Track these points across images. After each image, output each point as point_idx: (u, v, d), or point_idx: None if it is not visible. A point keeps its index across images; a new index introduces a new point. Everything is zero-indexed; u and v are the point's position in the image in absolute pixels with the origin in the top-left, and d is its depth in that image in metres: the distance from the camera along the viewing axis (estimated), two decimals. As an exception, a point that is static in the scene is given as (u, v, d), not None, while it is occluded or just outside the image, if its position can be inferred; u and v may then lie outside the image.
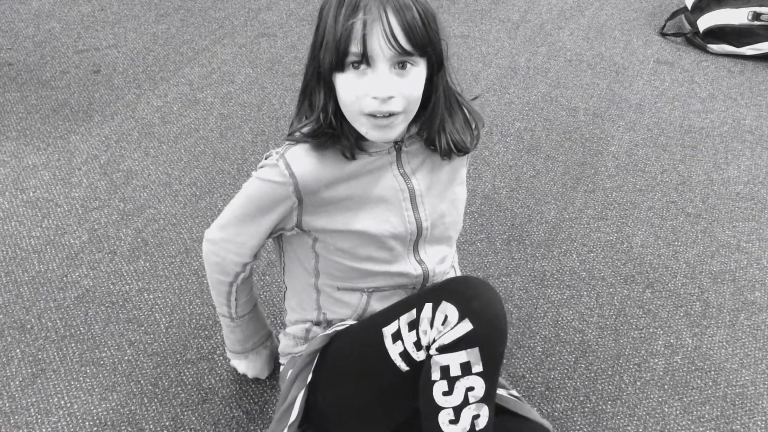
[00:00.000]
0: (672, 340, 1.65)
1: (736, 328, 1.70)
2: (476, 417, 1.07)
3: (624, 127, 2.39)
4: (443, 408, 1.07)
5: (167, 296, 1.67)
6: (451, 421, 1.07)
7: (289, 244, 1.26)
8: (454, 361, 1.05)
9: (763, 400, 1.54)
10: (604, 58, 2.80)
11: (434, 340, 1.06)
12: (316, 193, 1.16)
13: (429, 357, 1.08)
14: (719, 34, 2.83)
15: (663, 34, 2.99)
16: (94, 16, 2.84)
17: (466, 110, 1.22)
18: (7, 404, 1.42)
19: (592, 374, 1.56)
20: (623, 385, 1.54)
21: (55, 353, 1.52)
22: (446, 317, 1.05)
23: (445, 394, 1.07)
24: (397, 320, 1.11)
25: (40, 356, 1.51)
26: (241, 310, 1.33)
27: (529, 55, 2.79)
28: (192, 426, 1.40)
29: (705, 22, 2.85)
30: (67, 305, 1.63)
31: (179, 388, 1.47)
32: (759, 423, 1.49)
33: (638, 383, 1.55)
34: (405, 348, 1.10)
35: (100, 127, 2.22)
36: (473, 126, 1.23)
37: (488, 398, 1.07)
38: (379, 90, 1.07)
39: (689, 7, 2.97)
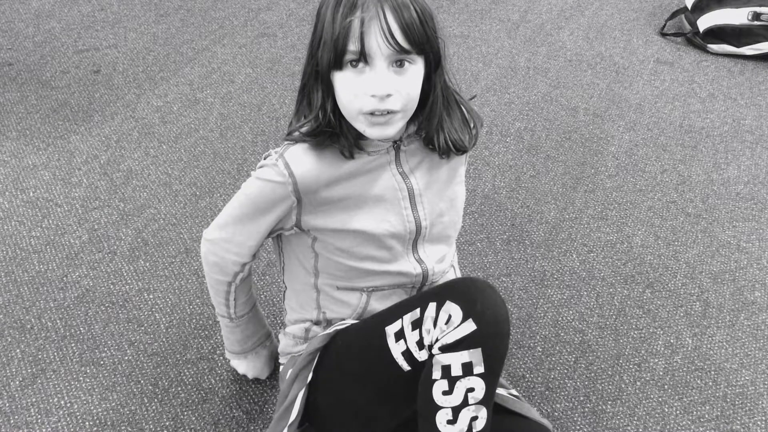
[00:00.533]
0: (672, 340, 1.65)
1: (736, 328, 1.70)
2: (474, 419, 1.07)
3: (624, 127, 2.39)
4: (442, 407, 1.07)
5: (167, 296, 1.67)
6: (449, 422, 1.07)
7: (289, 243, 1.26)
8: (455, 360, 1.05)
9: (763, 400, 1.54)
10: (604, 58, 2.80)
11: (437, 339, 1.06)
12: (315, 193, 1.16)
13: (431, 356, 1.08)
14: (719, 34, 2.83)
15: (663, 34, 2.99)
16: (94, 16, 2.84)
17: (464, 109, 1.22)
18: (7, 404, 1.42)
19: (592, 374, 1.56)
20: (623, 385, 1.54)
21: (55, 353, 1.52)
22: (450, 317, 1.05)
23: (444, 393, 1.06)
24: (400, 319, 1.10)
25: (40, 356, 1.51)
26: (239, 310, 1.33)
27: (529, 55, 2.79)
28: (192, 426, 1.40)
29: (705, 22, 2.85)
30: (67, 305, 1.63)
31: (179, 388, 1.47)
32: (759, 423, 1.49)
33: (638, 383, 1.55)
34: (407, 347, 1.09)
35: (100, 127, 2.22)
36: (471, 125, 1.23)
37: (488, 400, 1.07)
38: (377, 88, 1.07)
39: (689, 7, 2.97)
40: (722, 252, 1.92)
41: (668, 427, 1.46)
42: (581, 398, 1.51)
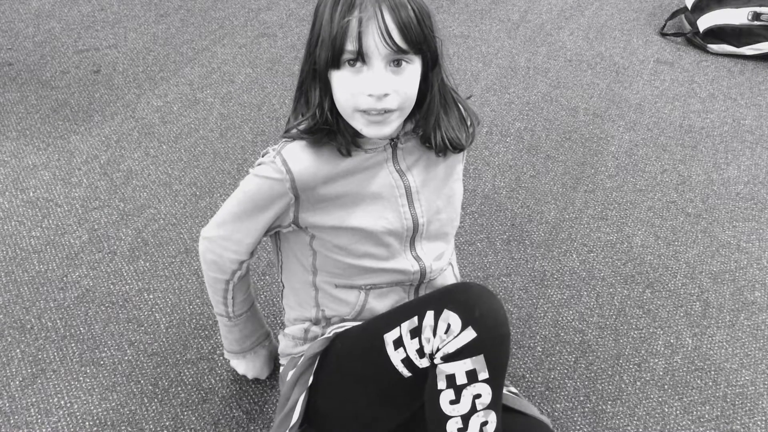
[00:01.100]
0: (672, 340, 1.65)
1: (736, 328, 1.70)
2: (485, 424, 1.07)
3: (624, 127, 2.39)
4: (451, 417, 1.07)
5: (167, 296, 1.67)
6: (460, 429, 1.07)
7: (287, 241, 1.26)
8: (459, 369, 1.05)
9: (763, 400, 1.54)
10: (604, 58, 2.80)
11: (438, 349, 1.06)
12: (313, 190, 1.16)
13: (434, 366, 1.08)
14: (719, 34, 2.83)
15: (663, 34, 2.99)
16: (94, 16, 2.84)
17: (461, 107, 1.22)
18: (7, 404, 1.42)
19: (592, 374, 1.56)
20: (623, 385, 1.54)
21: (55, 353, 1.52)
22: (449, 326, 1.05)
23: (452, 402, 1.07)
24: (398, 327, 1.10)
25: (40, 356, 1.51)
26: (238, 308, 1.33)
27: (529, 55, 2.79)
28: (192, 426, 1.40)
29: (705, 22, 2.85)
30: (67, 305, 1.63)
31: (179, 388, 1.47)
32: (759, 423, 1.49)
33: (638, 383, 1.55)
34: (408, 355, 1.10)
35: (100, 127, 2.22)
36: (468, 123, 1.23)
37: (495, 404, 1.08)
38: (375, 87, 1.07)
39: (689, 7, 2.97)
40: (722, 252, 1.92)
41: (668, 427, 1.46)
42: (581, 398, 1.51)
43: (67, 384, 1.46)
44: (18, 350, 1.52)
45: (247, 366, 1.45)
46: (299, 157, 1.15)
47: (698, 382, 1.56)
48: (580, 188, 2.11)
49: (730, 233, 1.98)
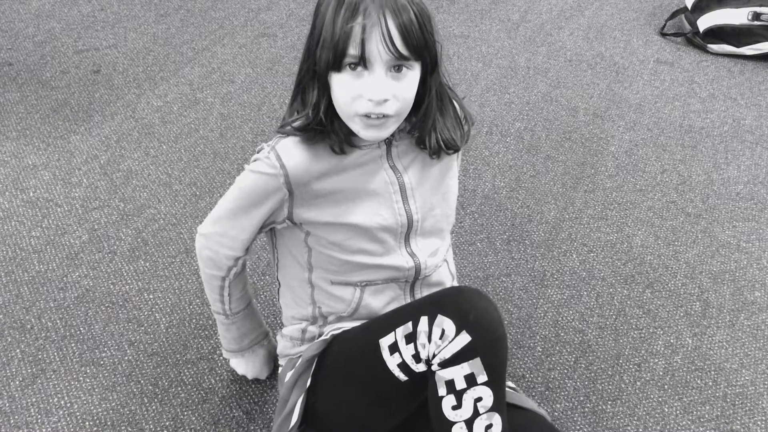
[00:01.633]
0: (672, 340, 1.65)
1: (736, 328, 1.70)
2: (489, 427, 1.07)
3: (624, 127, 2.39)
4: (455, 422, 1.07)
5: (167, 296, 1.67)
6: None
7: (282, 238, 1.26)
8: (457, 374, 1.06)
9: (763, 400, 1.54)
10: (604, 58, 2.80)
11: (434, 355, 1.07)
12: (307, 185, 1.17)
13: (432, 373, 1.08)
14: (719, 34, 2.83)
15: (663, 34, 2.99)
16: (94, 16, 2.84)
17: (457, 106, 1.23)
18: (7, 404, 1.42)
19: (592, 374, 1.56)
20: (623, 385, 1.54)
21: (55, 353, 1.52)
22: (443, 331, 1.05)
23: (454, 408, 1.07)
24: (393, 332, 1.10)
25: (40, 356, 1.51)
26: (235, 306, 1.33)
27: (529, 55, 2.79)
28: (192, 426, 1.40)
29: (705, 22, 2.85)
30: (67, 305, 1.63)
31: (179, 388, 1.47)
32: (759, 423, 1.49)
33: (638, 383, 1.55)
34: (404, 360, 1.10)
35: (100, 127, 2.22)
36: (464, 122, 1.23)
37: (498, 406, 1.07)
38: (375, 93, 1.08)
39: (689, 7, 2.97)
40: (722, 252, 1.92)
41: (668, 427, 1.47)
42: (581, 398, 1.51)
43: (67, 384, 1.46)
44: (18, 350, 1.52)
45: (246, 366, 1.45)
46: (293, 153, 1.16)
47: (698, 382, 1.56)
48: (580, 188, 2.11)
49: (730, 233, 1.98)
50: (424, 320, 1.07)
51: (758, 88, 2.66)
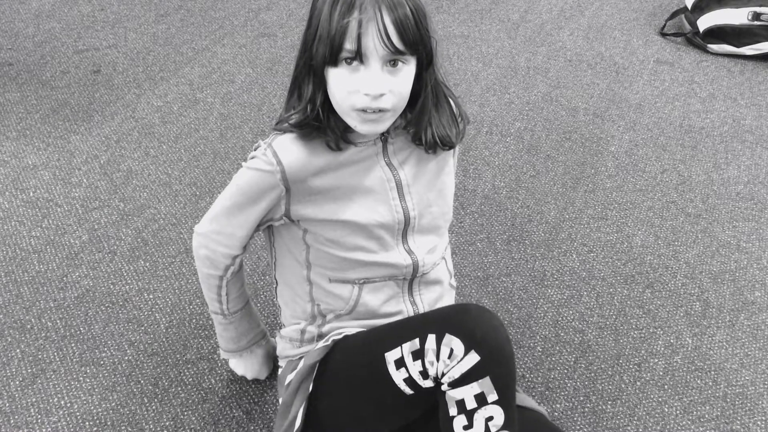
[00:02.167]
0: (672, 340, 1.65)
1: (736, 328, 1.70)
2: None
3: (624, 127, 2.39)
4: None
5: (167, 296, 1.67)
6: None
7: (280, 236, 1.26)
8: (467, 394, 1.06)
9: (763, 400, 1.54)
10: (604, 58, 2.80)
11: (443, 374, 1.07)
12: (304, 182, 1.17)
13: (442, 393, 1.08)
14: (719, 34, 2.83)
15: (663, 34, 2.99)
16: (94, 16, 2.84)
17: (452, 103, 1.23)
18: (7, 404, 1.42)
19: (592, 374, 1.56)
20: (623, 385, 1.54)
21: (55, 353, 1.52)
22: (452, 350, 1.05)
23: (465, 428, 1.07)
24: (399, 347, 1.10)
25: (40, 356, 1.51)
26: (232, 305, 1.33)
27: (529, 55, 2.79)
28: (192, 426, 1.40)
29: (705, 22, 2.85)
30: (67, 305, 1.63)
31: (179, 388, 1.47)
32: (759, 423, 1.49)
33: (638, 383, 1.55)
34: (410, 375, 1.10)
35: (100, 127, 2.22)
36: (459, 119, 1.24)
37: (510, 424, 1.07)
38: (371, 87, 1.09)
39: (689, 7, 2.97)
40: (722, 252, 1.92)
41: (668, 427, 1.47)
42: (581, 398, 1.51)
43: (67, 384, 1.46)
44: (18, 350, 1.52)
45: (245, 366, 1.45)
46: (289, 149, 1.16)
47: (698, 382, 1.56)
48: (580, 188, 2.11)
49: (730, 233, 1.98)
50: (431, 338, 1.07)
51: (758, 88, 2.66)
